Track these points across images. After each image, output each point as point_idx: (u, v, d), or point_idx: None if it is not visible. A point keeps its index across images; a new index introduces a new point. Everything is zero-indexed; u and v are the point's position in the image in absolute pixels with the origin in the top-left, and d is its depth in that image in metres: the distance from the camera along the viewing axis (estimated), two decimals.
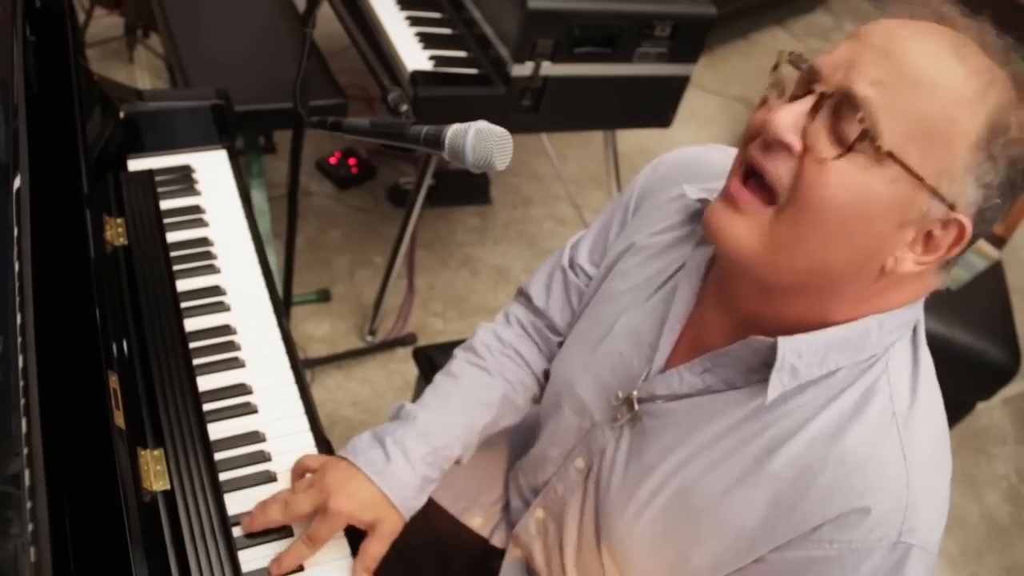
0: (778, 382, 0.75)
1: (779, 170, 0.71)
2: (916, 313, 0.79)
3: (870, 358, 0.76)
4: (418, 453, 0.94)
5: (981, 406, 2.27)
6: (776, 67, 0.76)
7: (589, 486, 0.95)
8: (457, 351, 1.10)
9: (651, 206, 0.98)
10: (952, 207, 0.68)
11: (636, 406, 0.88)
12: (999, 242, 2.36)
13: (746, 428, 0.79)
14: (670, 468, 0.84)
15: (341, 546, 0.92)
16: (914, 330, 0.80)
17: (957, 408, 2.22)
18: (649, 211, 0.98)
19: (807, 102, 0.71)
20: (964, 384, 2.12)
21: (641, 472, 0.87)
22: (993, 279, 2.23)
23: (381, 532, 0.90)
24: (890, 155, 0.67)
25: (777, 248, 0.72)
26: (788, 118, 0.70)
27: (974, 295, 2.14)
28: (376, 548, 0.89)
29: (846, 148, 0.68)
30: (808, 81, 0.72)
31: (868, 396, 0.75)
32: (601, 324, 0.96)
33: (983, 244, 2.29)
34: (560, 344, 1.06)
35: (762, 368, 0.77)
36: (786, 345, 0.75)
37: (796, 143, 0.70)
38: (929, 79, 0.67)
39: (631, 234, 0.98)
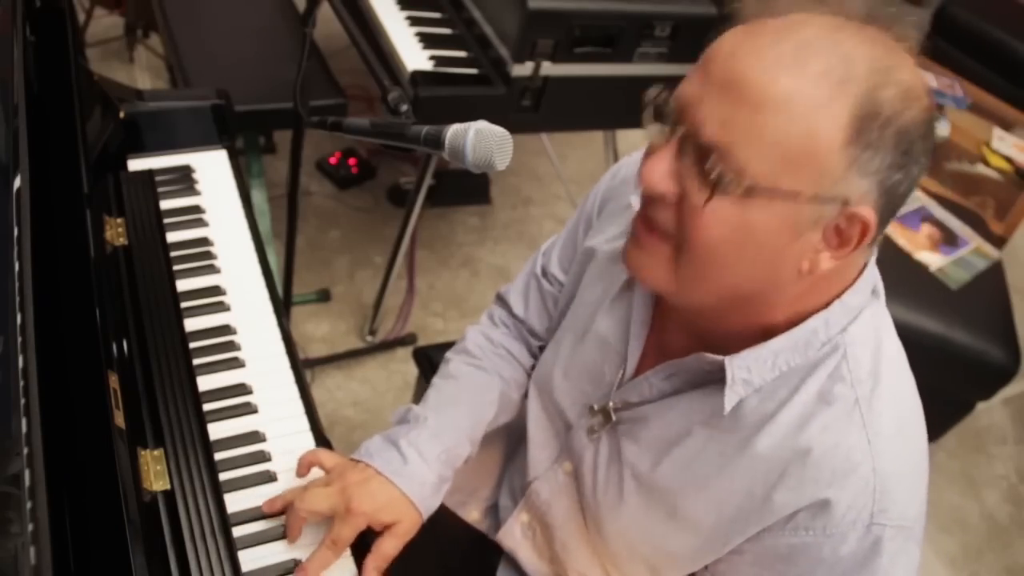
0: (732, 395, 0.78)
1: (662, 217, 0.74)
2: (863, 293, 0.78)
3: (824, 345, 0.77)
4: (433, 453, 0.95)
5: (981, 406, 2.27)
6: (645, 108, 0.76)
7: (576, 489, 0.98)
8: (450, 354, 1.11)
9: (610, 211, 1.00)
10: (845, 203, 0.67)
11: (613, 416, 0.91)
12: (999, 242, 2.37)
13: (715, 424, 0.81)
14: (647, 467, 0.87)
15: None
16: (875, 295, 0.80)
17: (957, 408, 2.22)
18: (608, 216, 0.99)
19: (672, 147, 0.71)
20: (964, 384, 2.12)
21: (621, 473, 0.90)
22: (993, 279, 2.23)
23: (398, 531, 0.90)
24: (755, 189, 0.67)
25: (685, 280, 0.75)
26: (656, 172, 0.72)
27: (974, 295, 2.14)
28: (391, 547, 0.89)
29: (711, 192, 0.68)
30: (674, 120, 0.72)
31: (830, 383, 0.76)
32: (574, 331, 0.99)
33: (983, 244, 2.29)
34: (541, 348, 1.08)
35: (719, 373, 0.78)
36: (733, 363, 0.77)
37: (670, 192, 0.71)
38: (774, 103, 0.65)
39: (592, 239, 1.00)
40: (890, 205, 0.70)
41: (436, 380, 1.08)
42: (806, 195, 0.67)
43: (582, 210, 1.05)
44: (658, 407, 0.87)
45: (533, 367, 1.10)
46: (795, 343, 0.76)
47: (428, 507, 0.94)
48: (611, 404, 0.91)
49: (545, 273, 1.10)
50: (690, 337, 0.84)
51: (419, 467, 0.93)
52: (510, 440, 1.17)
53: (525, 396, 1.10)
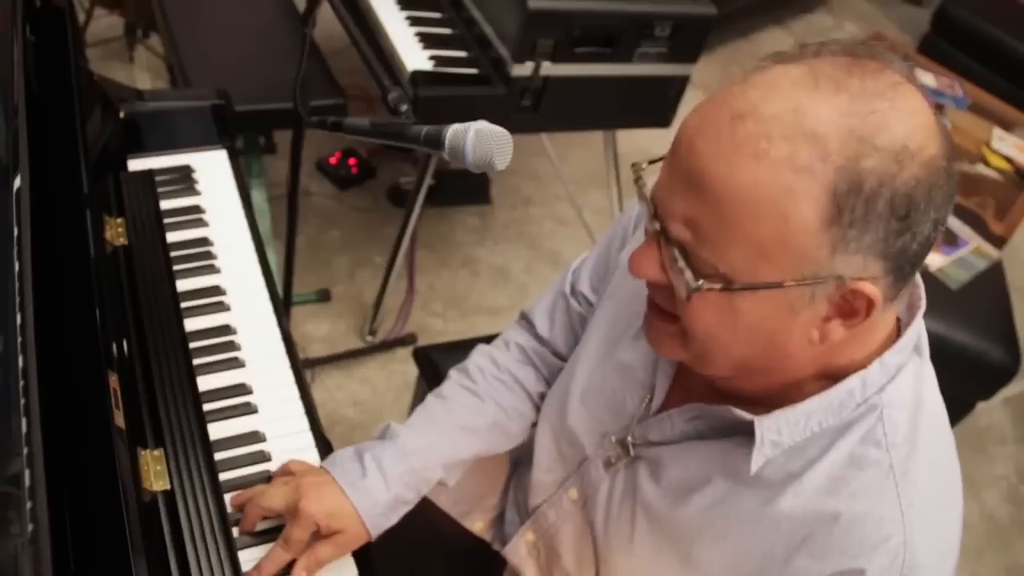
0: (760, 456, 0.74)
1: (662, 299, 0.73)
2: (904, 352, 0.74)
3: (859, 406, 0.73)
4: (394, 471, 0.93)
5: (981, 406, 2.27)
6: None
7: (584, 519, 0.95)
8: (452, 372, 1.08)
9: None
10: (840, 280, 0.63)
11: (632, 451, 0.88)
12: (999, 242, 2.36)
13: (738, 478, 0.77)
14: (663, 509, 0.84)
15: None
16: (916, 352, 0.75)
17: (957, 408, 2.22)
18: (642, 234, 0.95)
19: (654, 239, 0.70)
20: (964, 384, 2.12)
21: (634, 510, 0.87)
22: (993, 279, 2.23)
23: (340, 541, 0.89)
24: (733, 283, 0.65)
25: (696, 357, 0.74)
26: (643, 262, 0.71)
27: (974, 295, 2.14)
28: (327, 552, 0.88)
29: (687, 290, 0.66)
30: (651, 212, 0.70)
31: (863, 446, 0.72)
32: (594, 354, 0.95)
33: (983, 244, 2.29)
34: (562, 370, 1.03)
35: (747, 427, 0.75)
36: (763, 424, 0.73)
37: (661, 279, 0.70)
38: (736, 199, 0.62)
39: (625, 255, 0.95)
40: (902, 268, 0.65)
41: (428, 397, 1.05)
42: (790, 282, 0.64)
43: (616, 225, 1.01)
44: (679, 450, 0.83)
45: (543, 396, 1.06)
46: (829, 404, 0.72)
47: (377, 525, 0.91)
48: (630, 439, 0.87)
49: (574, 292, 1.05)
50: (716, 383, 0.80)
51: (376, 483, 0.91)
52: (517, 452, 1.15)
53: (535, 425, 1.06)
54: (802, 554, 0.73)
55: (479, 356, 1.08)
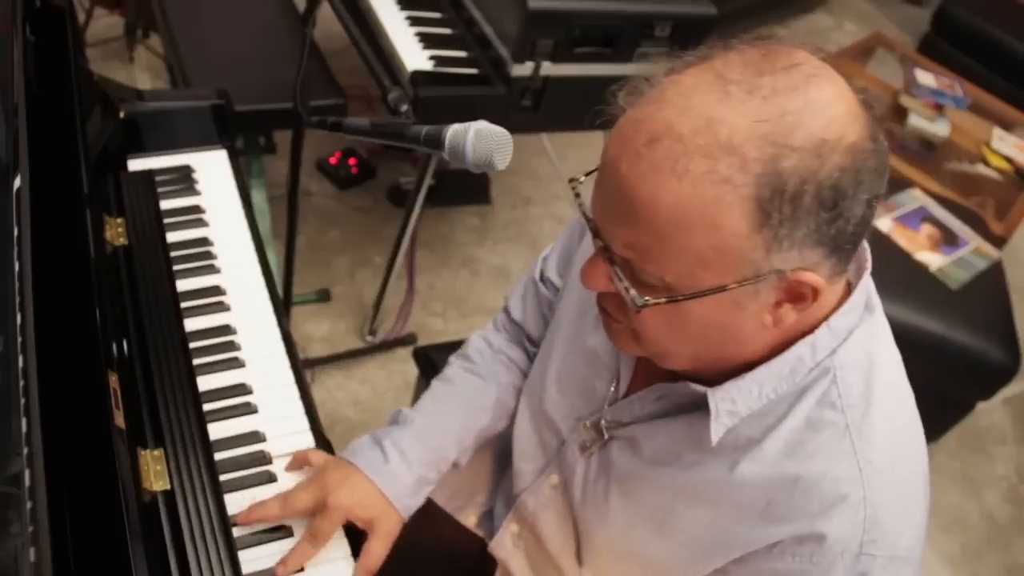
0: (719, 427, 0.76)
1: (612, 307, 0.75)
2: (852, 313, 0.74)
3: (812, 370, 0.74)
4: (415, 453, 0.96)
5: (981, 406, 2.27)
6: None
7: (565, 502, 0.97)
8: (452, 358, 1.12)
9: None
10: (780, 273, 0.64)
11: (605, 434, 0.90)
12: (999, 242, 2.36)
13: (703, 449, 0.79)
14: (636, 484, 0.86)
15: (341, 546, 0.92)
16: (868, 311, 0.77)
17: (957, 408, 2.22)
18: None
19: (599, 256, 0.71)
20: (964, 384, 2.11)
21: (608, 488, 0.90)
22: (993, 279, 2.23)
23: (380, 530, 0.91)
24: (676, 293, 0.66)
25: (652, 354, 0.76)
26: (592, 275, 0.72)
27: (974, 295, 2.14)
28: (378, 547, 0.90)
29: (634, 304, 0.68)
30: (593, 229, 0.71)
31: (819, 409, 0.74)
32: (565, 341, 0.97)
33: (983, 244, 2.29)
34: (535, 355, 1.07)
35: (706, 401, 0.76)
36: (716, 396, 0.75)
37: (610, 289, 0.71)
38: (665, 218, 0.63)
39: (584, 244, 0.97)
40: (841, 248, 0.66)
41: (433, 383, 1.08)
42: (732, 284, 0.65)
43: (578, 215, 1.04)
44: (648, 428, 0.85)
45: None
46: (780, 371, 0.74)
47: (406, 506, 0.94)
48: (603, 422, 0.90)
49: (543, 278, 1.09)
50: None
51: (399, 466, 0.94)
52: (505, 446, 1.16)
53: None
54: (765, 519, 0.75)
55: (476, 340, 1.12)
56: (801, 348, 0.73)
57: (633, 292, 0.68)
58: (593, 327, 0.93)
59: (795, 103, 0.62)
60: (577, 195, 0.75)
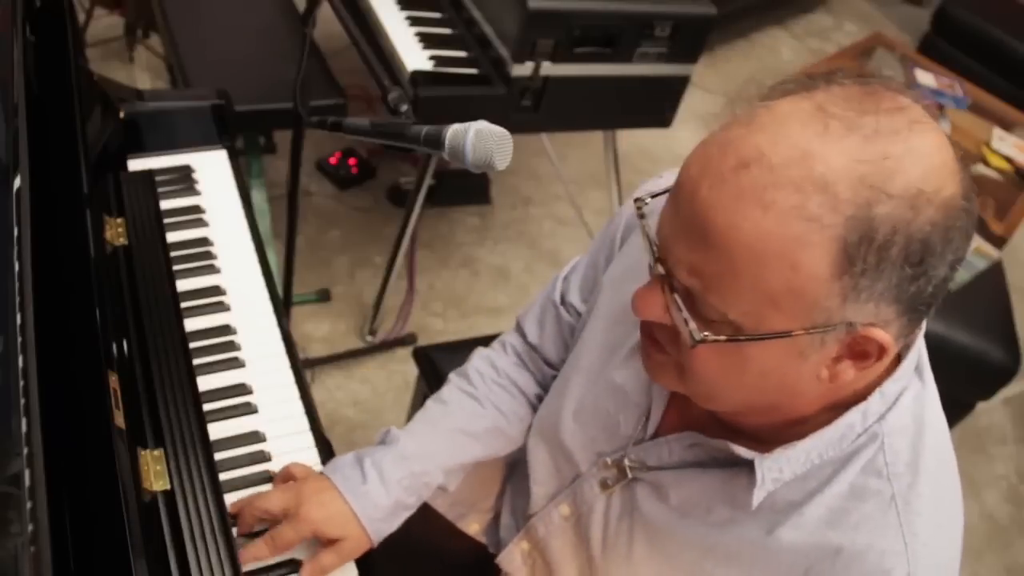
0: (761, 492, 0.73)
1: (662, 337, 0.71)
2: (903, 379, 0.72)
3: (860, 436, 0.71)
4: (394, 476, 0.93)
5: (981, 406, 2.27)
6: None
7: (578, 534, 0.95)
8: (451, 375, 1.07)
9: (634, 243, 0.91)
10: (851, 326, 0.61)
11: (629, 473, 0.87)
12: (999, 242, 2.36)
13: (741, 505, 0.75)
14: (662, 532, 0.83)
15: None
16: (917, 375, 0.74)
17: (957, 408, 2.22)
18: (631, 249, 0.91)
19: (658, 282, 0.67)
20: (964, 384, 2.12)
21: (632, 532, 0.86)
22: (993, 279, 2.23)
23: (342, 548, 0.89)
24: (741, 332, 0.62)
25: (697, 394, 0.72)
26: (647, 302, 0.68)
27: (974, 295, 2.14)
28: (331, 560, 0.88)
29: (692, 338, 0.64)
30: (656, 254, 0.67)
31: (864, 477, 0.71)
32: (586, 371, 0.93)
33: (983, 244, 2.29)
34: (554, 377, 1.02)
35: (747, 462, 0.74)
36: (763, 464, 0.72)
37: (665, 320, 0.68)
38: (742, 249, 0.59)
39: (613, 271, 0.93)
40: (916, 310, 0.62)
41: (428, 402, 1.04)
42: (799, 330, 0.61)
43: (604, 235, 0.98)
44: (677, 476, 0.82)
45: (540, 398, 1.05)
46: (830, 439, 0.71)
47: (378, 530, 0.91)
48: (627, 461, 0.86)
49: (564, 302, 1.03)
50: (714, 413, 0.79)
51: (376, 488, 0.91)
52: (515, 458, 1.14)
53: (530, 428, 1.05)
54: None
55: (478, 360, 1.07)
56: (853, 415, 0.70)
57: (693, 325, 0.64)
58: (623, 362, 0.88)
59: (896, 148, 0.58)
60: (642, 216, 0.70)
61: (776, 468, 0.72)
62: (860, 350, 0.64)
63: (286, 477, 0.94)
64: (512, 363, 1.07)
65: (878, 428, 0.71)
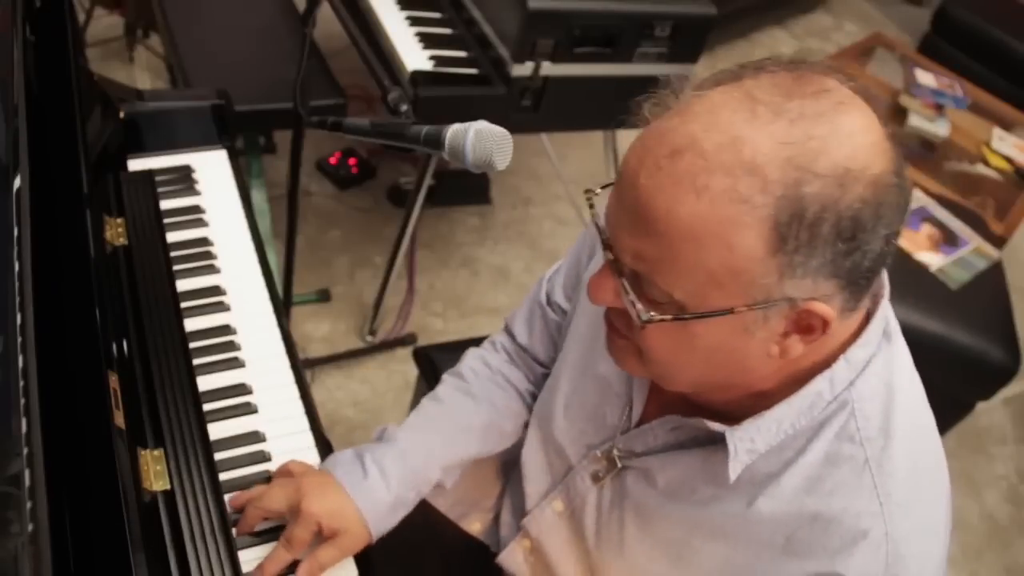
0: (737, 465, 0.75)
1: (619, 322, 0.74)
2: (870, 344, 0.73)
3: (830, 404, 0.73)
4: (395, 473, 0.94)
5: (981, 406, 2.27)
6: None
7: (573, 529, 0.96)
8: (445, 376, 1.09)
9: None
10: (792, 301, 0.64)
11: (618, 463, 0.88)
12: (999, 242, 2.37)
13: (720, 483, 0.77)
14: (652, 516, 0.85)
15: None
16: (885, 339, 0.75)
17: (957, 408, 2.22)
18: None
19: (608, 267, 0.70)
20: (964, 384, 2.11)
21: (623, 519, 0.88)
22: (993, 279, 2.23)
23: (342, 543, 0.89)
24: (685, 311, 0.65)
25: (657, 375, 0.75)
26: (600, 288, 0.71)
27: (974, 295, 2.14)
28: (329, 555, 0.88)
29: (640, 319, 0.67)
30: (604, 241, 0.70)
31: (837, 443, 0.73)
32: (574, 366, 0.95)
33: (983, 244, 2.29)
34: (545, 376, 1.04)
35: (721, 435, 0.75)
36: (735, 436, 0.74)
37: (617, 304, 0.71)
38: (680, 233, 0.62)
39: (594, 266, 0.94)
40: (856, 283, 0.65)
41: (423, 400, 1.05)
42: (741, 307, 0.64)
43: (586, 233, 1.01)
44: (663, 460, 0.84)
45: (534, 396, 1.07)
46: (799, 407, 0.73)
47: (379, 526, 0.92)
48: (616, 451, 0.88)
49: (550, 302, 1.06)
50: (687, 395, 0.82)
51: (377, 484, 0.92)
52: (512, 456, 1.14)
53: (527, 425, 1.06)
54: (786, 554, 0.74)
55: (471, 359, 1.09)
56: (820, 383, 0.72)
57: (639, 306, 0.67)
58: (605, 353, 0.90)
59: (821, 129, 0.61)
60: (592, 206, 0.74)
61: (747, 439, 0.74)
62: (805, 324, 0.66)
63: (284, 474, 0.94)
64: (504, 360, 1.09)
65: (848, 395, 0.72)
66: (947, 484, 0.78)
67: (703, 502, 0.79)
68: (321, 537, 0.89)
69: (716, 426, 0.75)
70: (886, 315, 0.76)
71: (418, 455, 0.96)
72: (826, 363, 0.72)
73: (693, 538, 0.81)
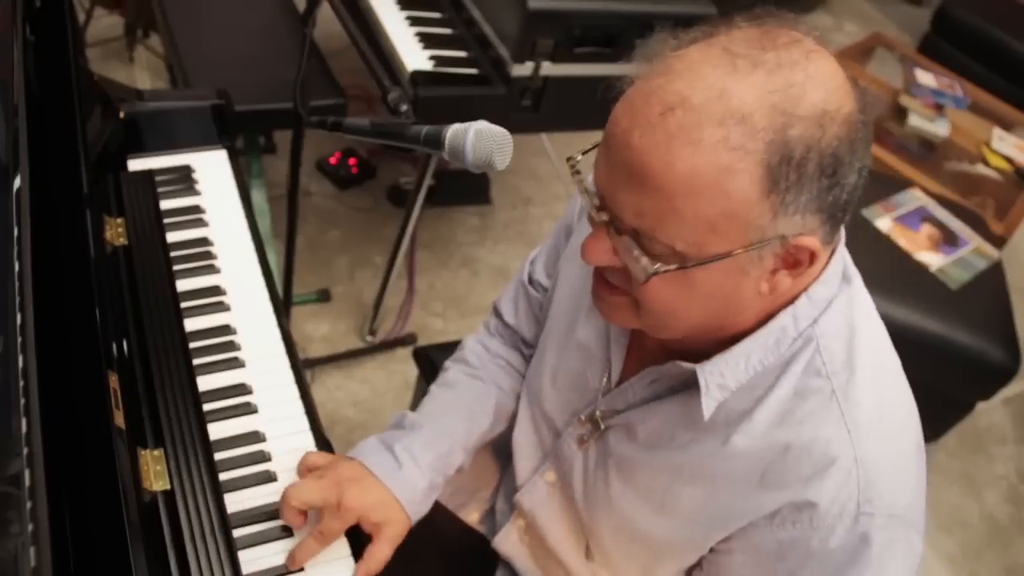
0: (710, 401, 0.78)
1: (615, 279, 0.76)
2: (830, 283, 0.77)
3: (796, 340, 0.77)
4: (426, 460, 0.96)
5: (981, 406, 2.27)
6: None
7: (564, 495, 0.98)
8: (448, 363, 1.12)
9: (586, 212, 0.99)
10: (783, 238, 0.68)
11: (601, 424, 0.91)
12: (999, 242, 2.37)
13: (697, 426, 0.81)
14: (635, 469, 0.88)
15: (341, 545, 0.92)
16: (845, 281, 0.79)
17: (957, 408, 2.22)
18: (586, 218, 0.98)
19: (603, 229, 0.73)
20: (964, 384, 2.11)
21: (608, 476, 0.91)
22: (993, 279, 2.23)
23: (388, 535, 0.91)
24: (687, 261, 0.68)
25: (650, 325, 0.78)
26: (596, 250, 0.74)
27: (974, 295, 2.14)
28: (383, 552, 0.90)
29: (644, 274, 0.70)
30: (597, 204, 0.73)
31: (805, 377, 0.76)
32: (557, 338, 0.99)
33: (983, 244, 2.29)
34: (531, 357, 1.08)
35: (696, 379, 0.79)
36: (705, 371, 0.77)
37: (615, 262, 0.73)
38: (679, 186, 0.65)
39: (574, 241, 1.00)
40: (835, 216, 0.69)
41: (433, 388, 1.08)
42: (739, 250, 0.67)
43: (565, 215, 1.06)
44: (642, 412, 0.87)
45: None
46: (764, 342, 0.76)
47: (416, 512, 0.95)
48: (598, 412, 0.91)
49: (532, 281, 1.11)
50: (664, 343, 0.84)
51: (412, 472, 0.94)
52: (505, 443, 1.17)
53: None
54: (761, 487, 0.77)
55: (472, 344, 1.13)
56: (784, 319, 0.76)
57: (645, 260, 0.69)
58: (584, 320, 0.94)
59: (798, 76, 0.65)
60: (577, 172, 0.77)
61: (717, 373, 0.77)
62: (793, 259, 0.70)
63: (310, 467, 0.94)
64: (500, 343, 1.14)
65: (812, 332, 0.77)
66: (915, 422, 0.81)
67: (682, 446, 0.83)
68: (362, 528, 0.90)
69: (687, 365, 0.79)
70: (844, 258, 0.80)
71: (444, 441, 0.99)
72: (792, 299, 0.76)
73: (674, 484, 0.84)
